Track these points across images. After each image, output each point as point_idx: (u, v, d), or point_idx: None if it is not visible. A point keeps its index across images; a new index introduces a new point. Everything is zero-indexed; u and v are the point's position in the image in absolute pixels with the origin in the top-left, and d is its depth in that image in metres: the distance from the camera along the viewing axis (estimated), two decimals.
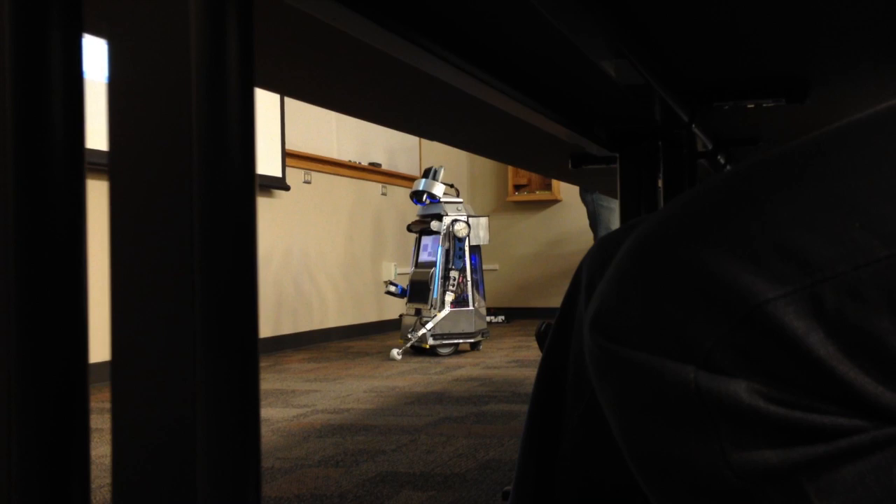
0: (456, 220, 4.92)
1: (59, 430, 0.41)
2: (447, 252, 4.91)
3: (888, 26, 1.06)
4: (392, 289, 5.04)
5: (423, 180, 5.06)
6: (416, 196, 5.08)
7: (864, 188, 0.45)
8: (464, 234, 4.91)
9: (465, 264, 4.95)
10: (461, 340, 4.86)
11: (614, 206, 5.64)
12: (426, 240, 5.16)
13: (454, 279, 4.84)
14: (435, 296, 4.82)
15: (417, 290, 4.95)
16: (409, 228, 5.22)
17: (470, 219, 5.03)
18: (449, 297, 4.80)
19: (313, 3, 0.71)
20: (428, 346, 4.74)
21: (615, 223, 5.63)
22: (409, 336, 4.76)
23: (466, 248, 4.97)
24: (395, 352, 4.64)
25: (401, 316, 5.08)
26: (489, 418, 2.89)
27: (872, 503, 0.43)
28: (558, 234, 7.23)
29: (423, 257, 5.13)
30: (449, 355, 4.78)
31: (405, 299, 5.05)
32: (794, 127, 1.83)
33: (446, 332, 4.79)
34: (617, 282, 0.50)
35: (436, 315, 4.76)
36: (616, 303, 0.49)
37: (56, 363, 0.41)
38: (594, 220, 5.71)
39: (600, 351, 0.49)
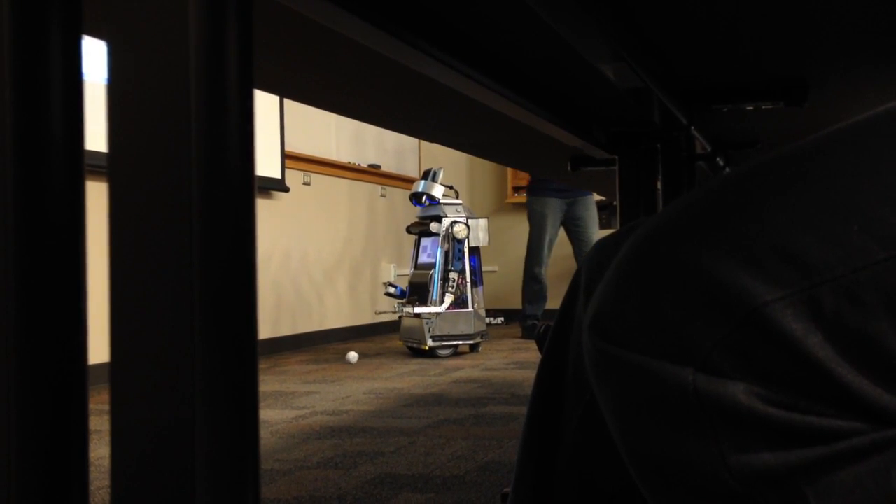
0: (455, 222, 4.92)
1: (58, 431, 0.41)
2: (446, 254, 4.90)
3: (887, 29, 1.06)
4: (391, 290, 5.03)
5: (423, 182, 5.06)
6: (416, 198, 5.09)
7: (863, 191, 0.45)
8: (463, 236, 4.91)
9: (464, 266, 4.95)
10: (460, 342, 4.85)
11: (547, 211, 5.68)
12: (425, 241, 5.16)
13: (453, 281, 4.84)
14: (434, 297, 4.82)
15: (417, 292, 4.95)
16: (409, 230, 5.22)
17: (469, 220, 5.03)
18: (448, 298, 4.80)
19: (312, 6, 0.71)
20: (427, 348, 4.73)
21: (546, 227, 5.67)
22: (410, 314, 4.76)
23: (465, 250, 4.97)
24: (351, 355, 4.64)
25: (399, 317, 5.08)
26: (488, 420, 2.89)
27: None
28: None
29: (423, 259, 5.12)
30: (448, 357, 4.78)
31: (404, 301, 5.05)
32: (792, 129, 1.84)
33: (445, 333, 4.79)
34: (616, 284, 0.50)
35: (434, 317, 4.76)
36: (615, 305, 0.49)
37: (55, 365, 0.41)
38: (529, 222, 5.79)
39: (599, 353, 0.50)
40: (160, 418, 0.39)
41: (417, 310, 4.74)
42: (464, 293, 4.91)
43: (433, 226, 4.94)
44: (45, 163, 0.41)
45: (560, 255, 7.04)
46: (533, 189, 5.75)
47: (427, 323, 4.74)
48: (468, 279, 4.96)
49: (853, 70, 1.30)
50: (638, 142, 1.71)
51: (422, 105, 1.38)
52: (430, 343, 4.72)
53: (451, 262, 4.89)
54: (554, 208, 5.71)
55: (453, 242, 4.91)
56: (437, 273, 4.86)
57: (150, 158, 0.39)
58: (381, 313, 5.07)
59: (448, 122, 1.57)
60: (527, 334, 5.70)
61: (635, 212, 1.74)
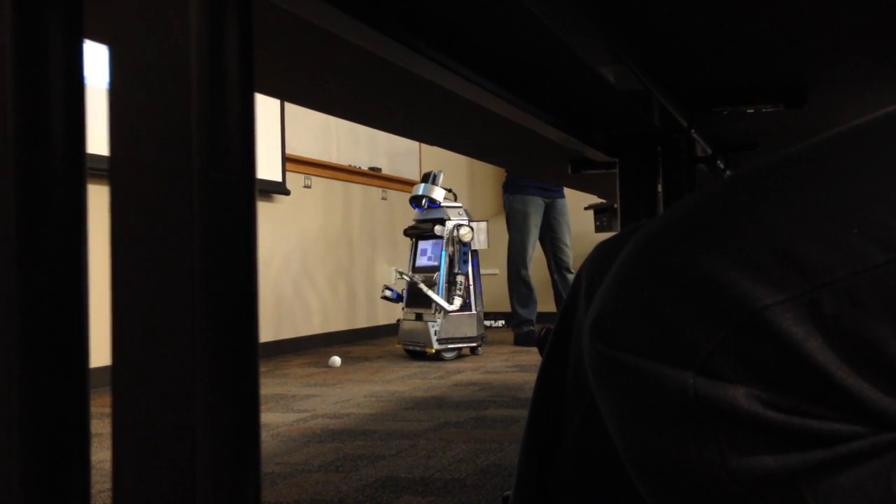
0: (460, 225, 4.92)
1: (60, 434, 0.41)
2: (451, 256, 4.91)
3: (886, 31, 1.06)
4: (387, 293, 5.02)
5: (423, 185, 5.06)
6: (416, 201, 5.08)
7: (863, 194, 0.45)
8: (468, 239, 4.92)
9: (468, 268, 4.96)
10: (464, 345, 4.87)
11: (530, 209, 5.40)
12: (425, 244, 5.14)
13: (461, 283, 4.84)
14: (440, 297, 4.81)
15: (417, 294, 4.94)
16: (406, 233, 5.19)
17: (470, 223, 5.04)
18: (458, 301, 4.79)
19: (312, 8, 0.71)
20: (434, 351, 4.73)
21: (530, 227, 5.42)
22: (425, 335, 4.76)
23: (470, 253, 4.98)
24: (334, 359, 4.64)
25: (398, 321, 5.06)
26: (489, 423, 2.89)
27: None
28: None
29: (423, 262, 5.10)
30: (452, 359, 4.79)
31: (402, 304, 5.03)
32: (792, 132, 1.84)
33: (450, 336, 4.80)
34: (616, 287, 0.50)
35: (439, 318, 4.76)
36: (615, 308, 0.49)
37: (57, 368, 0.41)
38: (508, 222, 5.51)
39: (599, 356, 0.50)
40: (161, 421, 0.39)
41: (433, 296, 4.74)
42: (468, 296, 4.93)
43: (437, 229, 4.94)
44: (46, 166, 0.41)
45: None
46: (513, 186, 5.45)
47: (432, 325, 4.74)
48: (471, 282, 4.97)
49: (852, 72, 1.30)
50: (638, 144, 1.71)
51: (422, 108, 1.38)
52: (436, 346, 4.72)
53: (457, 264, 4.89)
54: (537, 207, 5.44)
55: (458, 245, 4.91)
56: (443, 276, 4.86)
57: (152, 162, 0.39)
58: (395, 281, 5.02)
59: (448, 125, 1.57)
60: (521, 341, 5.44)
61: (636, 214, 1.74)
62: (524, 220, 5.46)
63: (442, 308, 4.75)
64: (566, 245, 5.58)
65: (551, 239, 5.56)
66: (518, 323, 5.50)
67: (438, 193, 5.01)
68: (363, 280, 6.26)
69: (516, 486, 0.89)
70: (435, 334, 4.72)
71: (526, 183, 5.40)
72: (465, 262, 4.92)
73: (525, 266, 5.45)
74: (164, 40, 0.39)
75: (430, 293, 4.73)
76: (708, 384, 0.44)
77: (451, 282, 4.85)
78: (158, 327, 0.39)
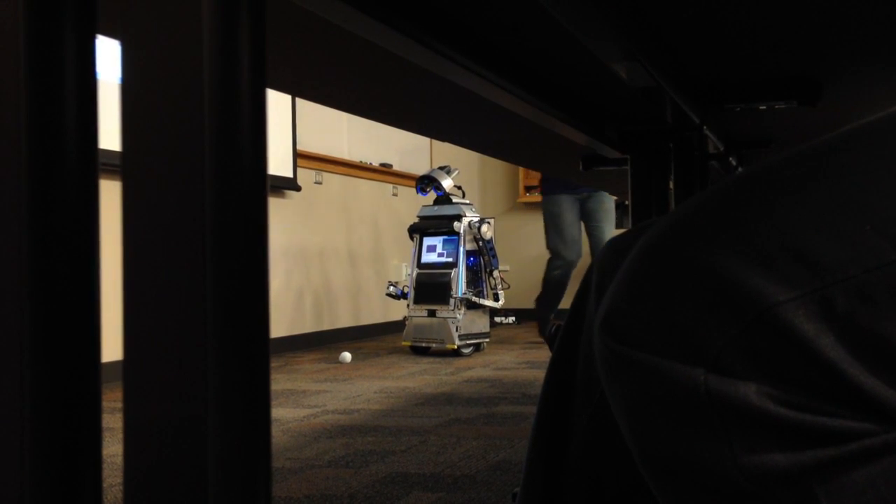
0: (481, 222, 4.94)
1: (72, 428, 0.41)
2: (475, 253, 4.93)
3: None
4: (391, 290, 5.02)
5: (435, 169, 5.07)
6: (421, 183, 5.05)
7: (876, 191, 0.45)
8: (490, 236, 4.94)
9: (499, 263, 5.03)
10: (479, 340, 4.89)
11: (556, 209, 5.35)
12: (432, 240, 5.11)
13: (499, 279, 4.89)
14: (461, 294, 4.81)
15: (427, 291, 4.93)
16: (411, 229, 5.14)
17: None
18: (502, 295, 4.89)
19: (325, 5, 0.71)
20: (455, 347, 4.75)
21: (562, 226, 5.34)
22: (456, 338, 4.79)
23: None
24: (344, 355, 4.65)
25: (404, 318, 5.05)
26: (499, 419, 2.89)
27: None
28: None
29: (431, 258, 5.08)
30: (470, 354, 4.81)
31: (407, 301, 5.02)
32: (805, 129, 1.83)
33: (468, 332, 4.82)
34: (627, 283, 0.50)
35: (460, 315, 4.77)
36: (626, 304, 0.49)
37: (69, 362, 0.41)
38: (544, 223, 5.54)
39: (610, 353, 0.50)
40: (173, 416, 0.39)
41: (485, 302, 4.83)
42: (483, 292, 4.96)
43: (455, 225, 4.93)
44: (59, 161, 0.41)
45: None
46: (544, 188, 5.48)
47: (453, 322, 4.75)
48: (484, 278, 5.00)
49: (866, 70, 1.29)
50: (650, 141, 1.71)
51: (434, 104, 1.38)
52: (458, 342, 4.74)
53: (490, 261, 4.92)
54: (568, 205, 5.51)
55: (483, 242, 4.93)
56: (462, 272, 4.85)
57: (164, 157, 0.39)
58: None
59: (460, 122, 1.57)
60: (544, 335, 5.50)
61: (647, 211, 1.74)
62: (552, 220, 5.46)
63: (478, 304, 4.79)
64: (605, 236, 5.58)
65: (591, 232, 5.57)
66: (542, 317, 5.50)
67: (447, 182, 5.00)
68: (374, 276, 6.26)
69: (524, 483, 0.89)
70: (457, 330, 4.74)
71: (554, 183, 5.41)
72: (495, 256, 4.95)
73: (564, 265, 5.30)
74: (177, 36, 0.39)
75: (478, 300, 4.79)
76: (719, 381, 0.44)
77: (471, 281, 4.87)
78: (170, 322, 0.39)
